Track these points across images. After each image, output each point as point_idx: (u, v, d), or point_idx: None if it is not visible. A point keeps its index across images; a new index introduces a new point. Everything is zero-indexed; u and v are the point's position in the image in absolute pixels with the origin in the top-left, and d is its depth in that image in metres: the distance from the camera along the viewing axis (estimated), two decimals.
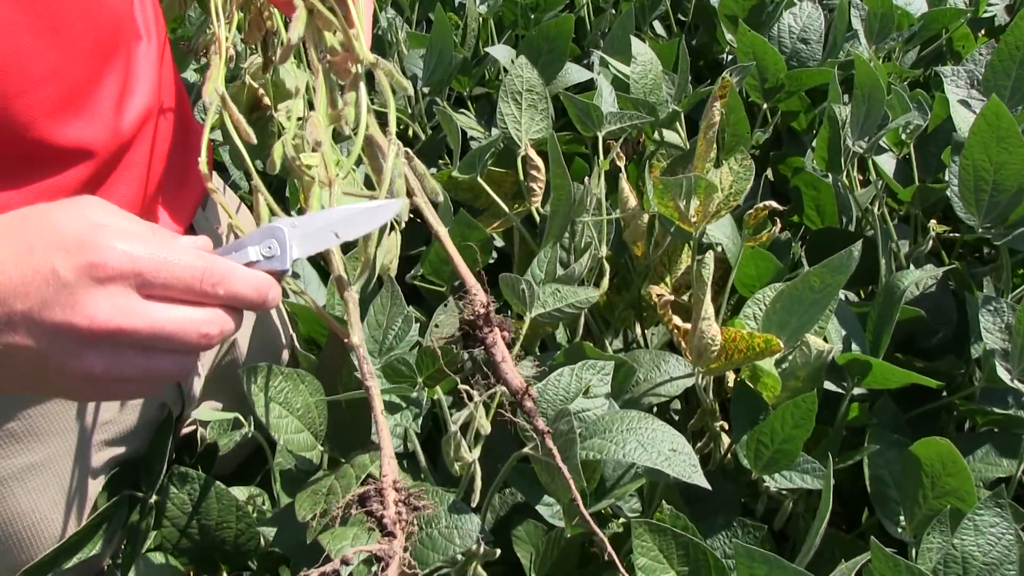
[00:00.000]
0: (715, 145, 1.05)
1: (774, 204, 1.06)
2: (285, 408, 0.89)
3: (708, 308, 0.92)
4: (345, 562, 0.61)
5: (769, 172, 1.63)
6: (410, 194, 0.84)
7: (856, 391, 1.12)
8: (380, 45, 1.69)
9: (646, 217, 1.16)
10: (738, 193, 1.02)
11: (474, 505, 0.97)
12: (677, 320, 0.98)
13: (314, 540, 0.82)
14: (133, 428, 0.96)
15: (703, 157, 1.04)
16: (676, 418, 1.35)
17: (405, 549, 0.62)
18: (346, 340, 0.72)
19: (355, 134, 0.80)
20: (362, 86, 0.82)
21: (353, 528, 0.84)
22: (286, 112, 0.89)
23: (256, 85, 1.10)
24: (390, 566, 0.60)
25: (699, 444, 1.26)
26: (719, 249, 1.17)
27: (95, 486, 0.95)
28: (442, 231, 0.83)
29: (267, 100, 1.13)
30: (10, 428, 0.85)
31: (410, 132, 1.66)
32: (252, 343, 1.12)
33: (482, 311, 0.73)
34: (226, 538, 0.92)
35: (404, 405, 0.95)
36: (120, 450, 0.97)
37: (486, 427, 0.84)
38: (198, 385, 1.03)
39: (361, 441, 0.93)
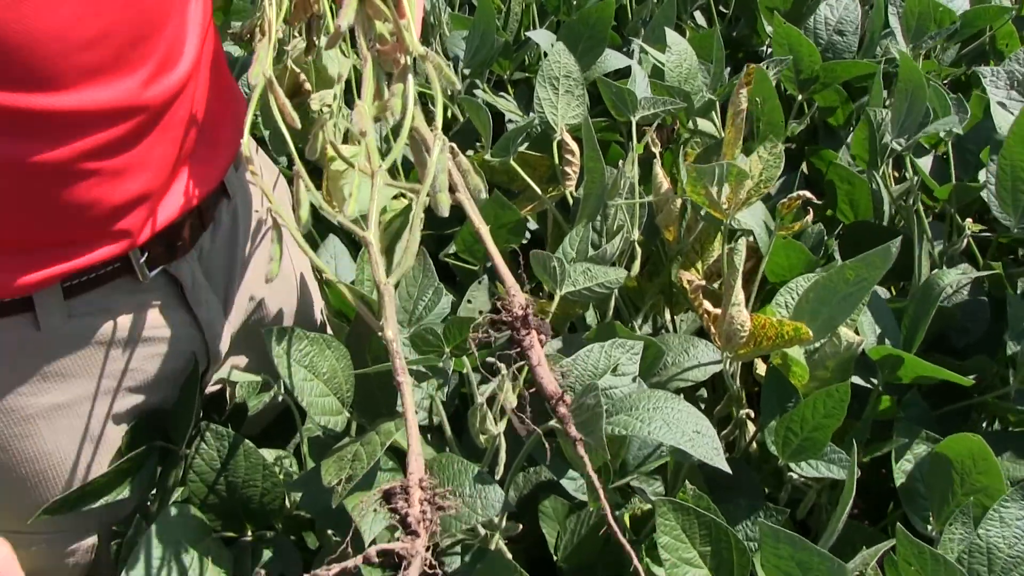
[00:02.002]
0: (743, 132, 1.06)
1: (807, 194, 1.06)
2: (310, 371, 0.90)
3: (738, 294, 0.92)
4: (368, 561, 0.60)
5: (804, 166, 1.63)
6: (452, 189, 0.84)
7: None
8: (423, 26, 1.70)
9: (679, 202, 1.16)
10: (768, 180, 1.02)
11: (499, 478, 0.98)
12: (708, 305, 0.98)
13: (339, 505, 0.83)
14: (159, 378, 0.98)
15: (732, 144, 1.05)
16: (703, 406, 1.35)
17: (428, 549, 0.61)
18: (380, 334, 0.71)
19: (401, 126, 0.80)
20: (410, 77, 0.82)
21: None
22: (319, 100, 0.90)
23: (298, 70, 1.11)
24: (412, 565, 0.59)
25: (724, 431, 1.26)
26: (751, 238, 1.18)
27: (119, 432, 0.97)
28: (484, 229, 0.83)
29: (308, 85, 1.14)
30: (38, 366, 0.88)
31: (449, 114, 1.67)
32: (284, 307, 1.13)
33: (520, 313, 0.72)
34: (252, 496, 0.93)
35: (430, 375, 0.96)
36: (146, 399, 0.98)
37: (513, 400, 0.84)
38: (224, 343, 1.05)
39: (388, 409, 0.94)
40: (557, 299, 1.02)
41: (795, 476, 1.12)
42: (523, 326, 0.72)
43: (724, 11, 1.90)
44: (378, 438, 0.85)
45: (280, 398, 0.96)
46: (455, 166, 0.86)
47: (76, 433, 0.92)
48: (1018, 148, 1.11)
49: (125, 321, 0.92)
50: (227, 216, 1.02)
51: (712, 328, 0.98)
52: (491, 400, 0.92)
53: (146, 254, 0.90)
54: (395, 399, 0.95)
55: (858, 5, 1.54)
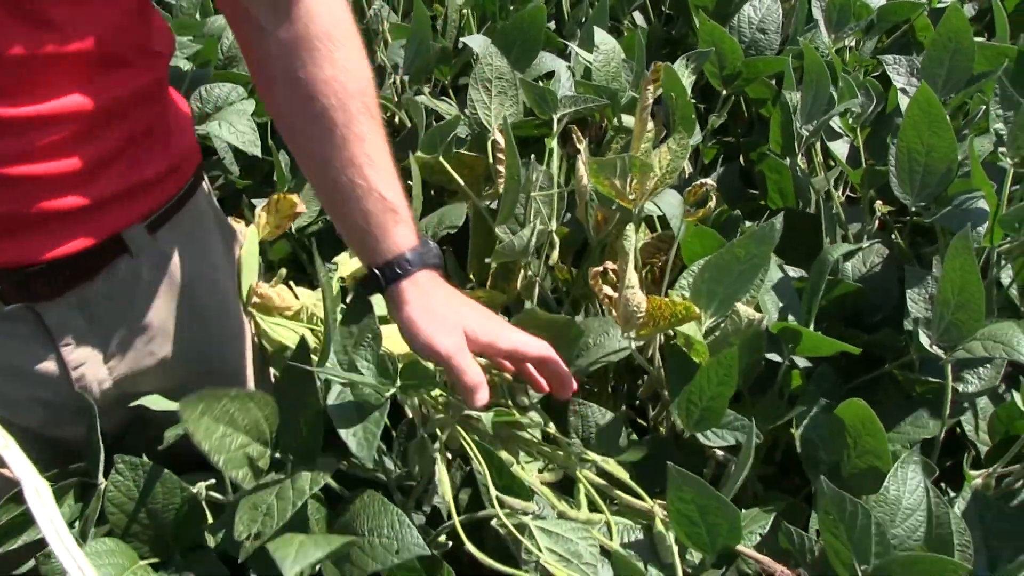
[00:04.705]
0: (648, 125, 1.12)
1: (710, 182, 1.12)
2: (231, 427, 0.89)
3: (631, 277, 0.98)
4: None
5: (740, 158, 1.70)
6: None
7: (802, 364, 1.18)
8: (365, 34, 1.76)
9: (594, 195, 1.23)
10: (674, 171, 1.08)
11: (427, 510, 1.02)
12: (607, 290, 1.04)
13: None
14: (28, 401, 1.00)
15: (639, 137, 1.11)
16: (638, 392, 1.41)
17: None
18: None
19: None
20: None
21: (296, 536, 0.86)
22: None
23: None
24: None
25: (652, 412, 1.32)
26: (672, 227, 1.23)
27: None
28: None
29: None
30: None
31: (396, 120, 1.74)
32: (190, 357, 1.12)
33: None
34: (175, 520, 0.95)
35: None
36: (18, 420, 0.98)
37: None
38: (96, 387, 1.04)
39: (313, 450, 0.95)
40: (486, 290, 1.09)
41: (718, 453, 1.18)
42: None
43: (664, 10, 1.97)
44: (292, 494, 0.87)
45: None
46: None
47: None
48: (911, 131, 1.17)
49: None
50: (127, 271, 1.02)
51: (613, 312, 1.05)
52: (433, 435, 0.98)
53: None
54: (320, 440, 0.95)
55: (779, 6, 1.61)
